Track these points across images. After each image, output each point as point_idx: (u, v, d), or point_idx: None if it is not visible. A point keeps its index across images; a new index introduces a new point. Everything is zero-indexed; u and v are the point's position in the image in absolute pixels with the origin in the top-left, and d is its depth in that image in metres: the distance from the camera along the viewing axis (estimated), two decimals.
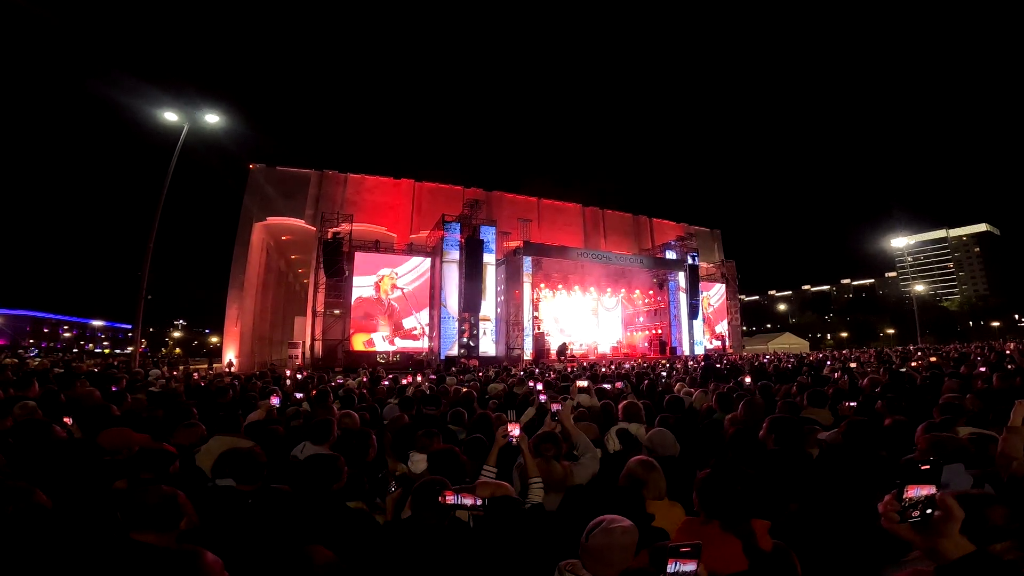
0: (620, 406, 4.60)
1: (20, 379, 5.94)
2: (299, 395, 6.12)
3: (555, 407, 3.47)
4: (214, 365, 22.25)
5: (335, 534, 2.11)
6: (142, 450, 2.81)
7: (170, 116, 14.42)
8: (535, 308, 25.29)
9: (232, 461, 2.67)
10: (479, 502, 2.06)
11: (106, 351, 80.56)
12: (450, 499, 2.04)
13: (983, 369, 6.91)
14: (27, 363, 16.11)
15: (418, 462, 3.42)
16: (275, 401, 4.84)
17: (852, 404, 4.64)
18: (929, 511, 1.12)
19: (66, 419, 4.02)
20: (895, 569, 1.47)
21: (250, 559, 1.55)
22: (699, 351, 28.25)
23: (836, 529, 2.09)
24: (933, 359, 12.14)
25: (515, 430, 2.87)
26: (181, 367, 20.44)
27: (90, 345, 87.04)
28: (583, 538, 1.70)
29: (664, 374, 10.67)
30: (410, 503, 2.20)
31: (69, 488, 2.51)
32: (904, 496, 1.15)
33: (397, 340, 22.90)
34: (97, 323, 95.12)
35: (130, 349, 18.69)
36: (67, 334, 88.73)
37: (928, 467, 1.15)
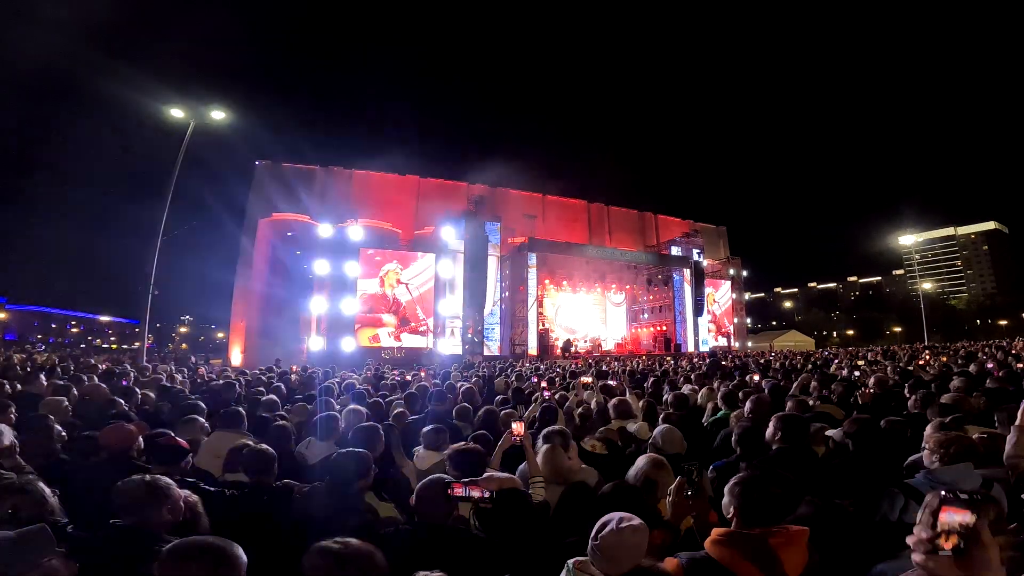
0: (610, 404, 4.55)
1: (27, 373, 6.00)
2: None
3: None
4: (210, 361, 22.21)
5: (348, 532, 2.12)
6: (157, 444, 2.80)
7: (176, 113, 14.46)
8: (539, 304, 25.27)
9: (242, 457, 2.68)
10: (487, 494, 2.07)
11: (113, 346, 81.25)
12: (458, 492, 2.05)
13: (991, 366, 6.85)
14: (35, 358, 16.24)
15: (424, 458, 3.43)
16: None
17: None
18: (966, 541, 1.05)
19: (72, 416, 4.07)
20: (893, 569, 1.46)
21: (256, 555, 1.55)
22: (704, 348, 28.18)
23: (838, 526, 2.08)
24: (944, 359, 12.03)
25: (519, 429, 2.91)
26: (192, 359, 20.55)
27: (97, 341, 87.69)
28: (593, 536, 1.69)
29: (670, 371, 10.62)
30: (417, 498, 2.21)
31: (83, 486, 2.52)
32: (939, 519, 1.07)
33: (403, 336, 22.96)
34: (104, 319, 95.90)
35: (137, 345, 18.79)
36: (74, 330, 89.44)
37: (968, 497, 1.07)
